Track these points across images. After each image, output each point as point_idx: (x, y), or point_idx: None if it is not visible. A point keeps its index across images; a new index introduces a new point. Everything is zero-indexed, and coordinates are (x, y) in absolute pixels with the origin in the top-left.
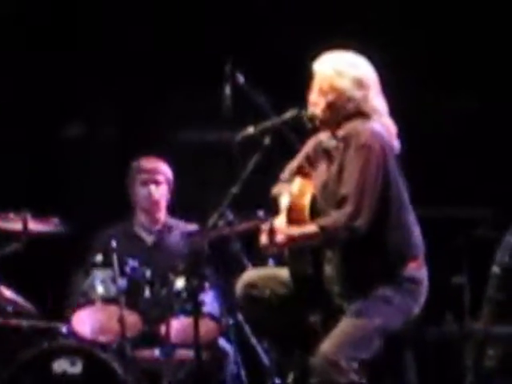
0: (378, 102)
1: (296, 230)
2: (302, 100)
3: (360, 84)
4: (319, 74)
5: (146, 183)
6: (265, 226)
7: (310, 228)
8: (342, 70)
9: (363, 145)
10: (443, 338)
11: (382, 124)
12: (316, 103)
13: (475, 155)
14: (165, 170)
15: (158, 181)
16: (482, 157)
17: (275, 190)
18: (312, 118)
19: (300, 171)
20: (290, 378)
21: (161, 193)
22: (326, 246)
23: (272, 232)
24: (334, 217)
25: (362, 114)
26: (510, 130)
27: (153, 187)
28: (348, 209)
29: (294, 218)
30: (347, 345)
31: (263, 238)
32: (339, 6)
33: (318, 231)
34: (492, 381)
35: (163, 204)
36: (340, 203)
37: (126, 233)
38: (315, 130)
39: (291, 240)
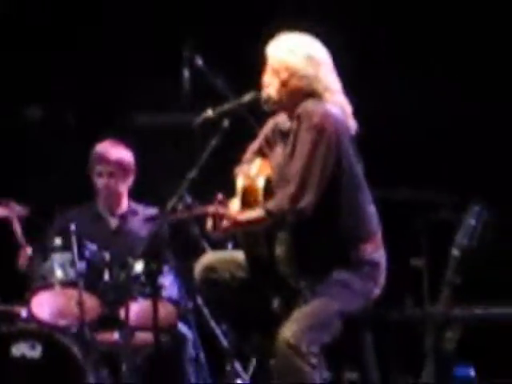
0: (331, 79)
1: (242, 215)
2: (257, 82)
3: (312, 61)
4: (271, 55)
5: (101, 175)
6: (211, 209)
7: (257, 213)
8: (293, 48)
9: (315, 125)
10: (403, 321)
11: (337, 104)
12: (270, 84)
13: (435, 137)
14: (120, 160)
15: (112, 172)
16: (441, 138)
17: (236, 170)
18: (267, 100)
19: (260, 152)
20: (253, 363)
21: (116, 183)
22: (273, 229)
23: (217, 216)
24: (278, 198)
25: (315, 93)
26: (472, 113)
27: (107, 179)
28: (290, 189)
29: (248, 200)
30: (307, 329)
31: (209, 222)
32: None
33: (264, 215)
34: (451, 363)
35: (122, 191)
36: (288, 183)
37: (90, 215)
38: (273, 113)
39: (236, 225)
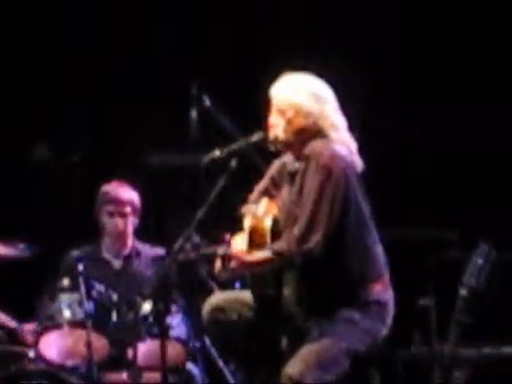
0: (336, 117)
1: (251, 256)
2: (264, 122)
3: (317, 98)
4: (276, 95)
5: (112, 215)
6: (220, 251)
7: (264, 253)
8: (298, 87)
9: (323, 166)
10: (411, 360)
11: (343, 142)
12: (276, 124)
13: (442, 176)
14: (131, 200)
15: (124, 213)
16: (449, 178)
17: (242, 210)
18: (274, 141)
19: (267, 193)
20: None
21: (127, 224)
22: (281, 270)
23: (226, 257)
24: (286, 239)
25: (321, 131)
26: (478, 151)
27: (119, 220)
28: (298, 230)
29: (255, 240)
30: (312, 366)
31: (217, 263)
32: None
33: (273, 257)
34: None
35: (130, 232)
36: (295, 223)
37: (93, 256)
38: (279, 153)
39: (245, 266)
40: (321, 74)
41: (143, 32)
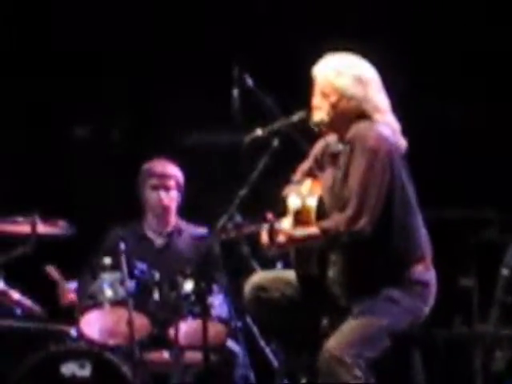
0: (379, 98)
1: (298, 232)
2: (306, 101)
3: (360, 81)
4: (319, 77)
5: (156, 188)
6: (267, 226)
7: (312, 230)
8: (341, 70)
9: (369, 148)
10: (452, 341)
11: (387, 124)
12: (320, 107)
13: (483, 156)
14: (175, 174)
15: (168, 186)
16: (490, 158)
17: (285, 191)
18: (319, 123)
19: (310, 173)
20: (303, 381)
21: (171, 198)
22: (327, 249)
23: (273, 232)
24: (335, 220)
25: (365, 114)
26: None
27: (163, 193)
28: (348, 212)
29: (300, 219)
30: (352, 342)
31: (264, 237)
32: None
33: (320, 234)
34: (500, 383)
35: (173, 208)
36: (344, 206)
37: (135, 234)
38: (322, 133)
39: (292, 241)
40: (363, 52)
41: (187, 11)
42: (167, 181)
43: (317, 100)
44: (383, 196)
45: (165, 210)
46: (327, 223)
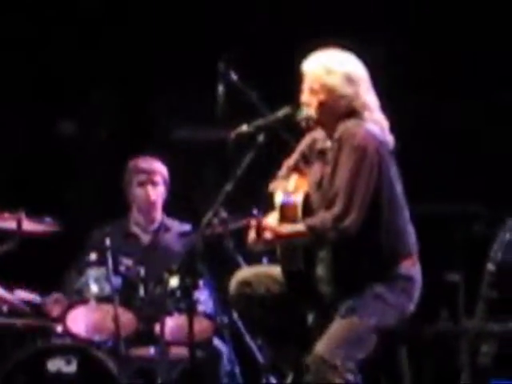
0: (369, 97)
1: (284, 228)
2: (293, 96)
3: (350, 80)
4: (308, 73)
5: (143, 184)
6: (253, 222)
7: (298, 227)
8: (331, 68)
9: (357, 146)
10: (438, 336)
11: (376, 122)
12: (308, 103)
13: (471, 151)
14: (162, 170)
15: (155, 181)
16: (476, 152)
17: (272, 186)
18: (307, 119)
19: (296, 168)
20: (289, 378)
21: (158, 193)
22: (314, 246)
23: (260, 228)
24: (322, 217)
25: (354, 112)
26: (505, 126)
27: (150, 188)
28: (335, 210)
29: (286, 215)
30: (342, 344)
31: (251, 234)
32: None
33: (306, 231)
34: (486, 378)
35: (160, 204)
36: (330, 203)
37: (122, 231)
38: (309, 129)
39: (278, 237)
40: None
41: (171, 7)
42: (154, 176)
43: (305, 97)
44: (370, 194)
45: (151, 205)
46: (314, 220)
